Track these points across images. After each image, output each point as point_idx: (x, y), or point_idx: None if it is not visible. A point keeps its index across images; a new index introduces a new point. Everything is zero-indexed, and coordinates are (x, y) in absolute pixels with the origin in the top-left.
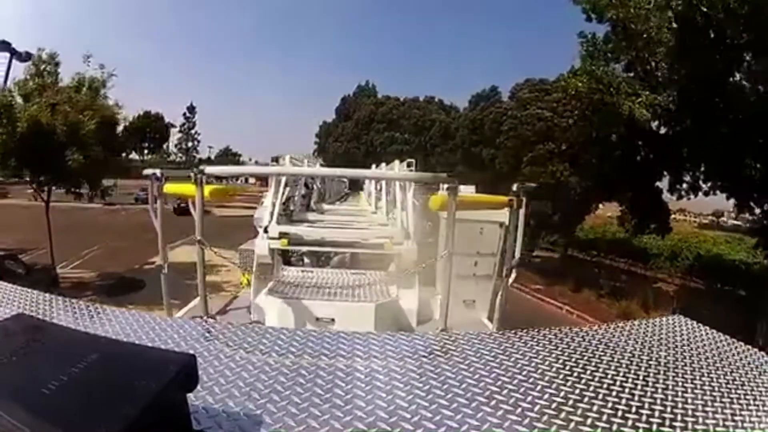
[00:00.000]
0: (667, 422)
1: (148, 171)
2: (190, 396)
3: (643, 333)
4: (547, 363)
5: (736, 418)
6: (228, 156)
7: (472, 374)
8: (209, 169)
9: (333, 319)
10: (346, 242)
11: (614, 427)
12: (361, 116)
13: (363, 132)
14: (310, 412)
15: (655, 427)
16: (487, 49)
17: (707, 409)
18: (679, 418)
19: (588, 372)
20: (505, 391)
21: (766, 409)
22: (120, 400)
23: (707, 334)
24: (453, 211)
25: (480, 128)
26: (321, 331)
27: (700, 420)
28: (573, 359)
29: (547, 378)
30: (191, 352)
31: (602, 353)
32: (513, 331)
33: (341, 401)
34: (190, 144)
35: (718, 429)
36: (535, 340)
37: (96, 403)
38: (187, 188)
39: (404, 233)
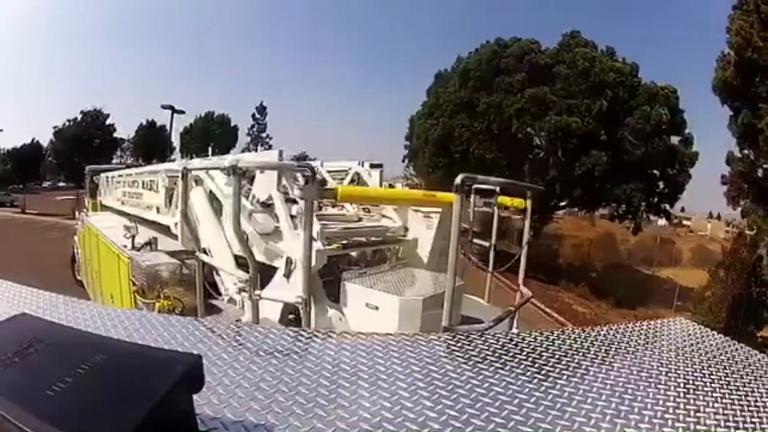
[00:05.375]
0: (669, 423)
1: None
2: (195, 397)
3: (645, 334)
4: (550, 363)
5: (737, 419)
6: None
7: (476, 374)
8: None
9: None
10: (379, 239)
11: (617, 428)
12: (471, 66)
13: (477, 95)
14: (315, 413)
15: (657, 428)
16: None
17: (708, 410)
18: (681, 418)
19: (591, 373)
20: (509, 392)
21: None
22: (125, 402)
23: (709, 336)
24: (530, 209)
25: None
26: (324, 331)
27: (702, 421)
28: (576, 360)
29: (550, 378)
30: (195, 352)
31: (605, 354)
32: (516, 332)
33: (346, 402)
34: (260, 148)
35: (719, 430)
36: (538, 340)
37: (101, 405)
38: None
39: (403, 228)
